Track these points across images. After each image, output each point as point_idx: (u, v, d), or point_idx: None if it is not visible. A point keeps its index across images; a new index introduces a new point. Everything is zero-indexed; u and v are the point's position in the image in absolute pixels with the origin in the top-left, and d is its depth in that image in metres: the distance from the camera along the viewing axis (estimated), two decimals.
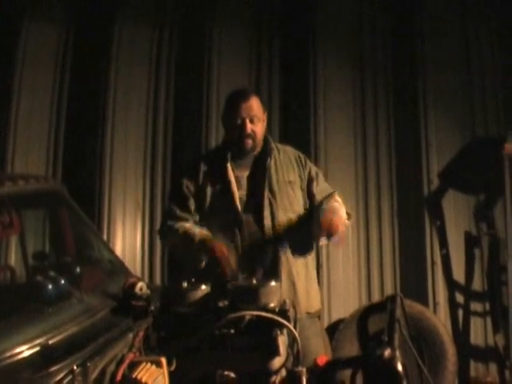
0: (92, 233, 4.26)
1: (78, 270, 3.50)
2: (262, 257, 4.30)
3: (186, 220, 4.32)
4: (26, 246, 4.09)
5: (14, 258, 4.88)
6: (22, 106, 6.76)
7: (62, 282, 3.27)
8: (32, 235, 4.50)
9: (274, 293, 3.08)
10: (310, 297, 4.39)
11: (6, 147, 6.63)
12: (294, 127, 6.88)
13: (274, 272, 4.22)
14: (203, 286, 3.16)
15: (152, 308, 3.23)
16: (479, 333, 6.87)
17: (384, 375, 2.66)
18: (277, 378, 2.93)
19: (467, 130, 6.94)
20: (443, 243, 6.90)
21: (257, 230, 4.34)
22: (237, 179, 4.39)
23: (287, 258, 4.34)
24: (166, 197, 6.58)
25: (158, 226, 6.51)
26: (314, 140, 6.86)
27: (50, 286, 3.21)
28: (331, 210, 4.22)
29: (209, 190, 4.38)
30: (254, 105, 4.39)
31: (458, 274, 6.88)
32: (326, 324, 6.40)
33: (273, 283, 3.10)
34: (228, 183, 4.36)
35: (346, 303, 6.56)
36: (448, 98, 6.98)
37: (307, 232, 4.32)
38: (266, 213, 4.34)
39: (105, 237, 6.21)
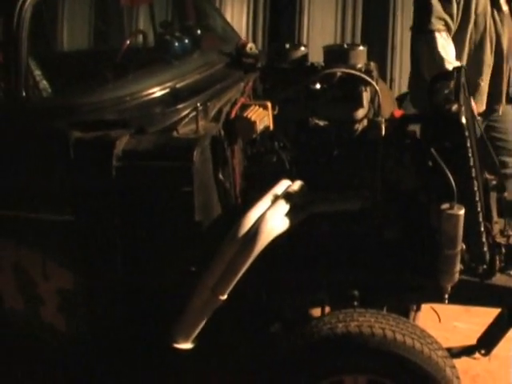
0: (209, 6, 4.16)
1: (199, 32, 3.43)
2: None
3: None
4: (154, 14, 4.02)
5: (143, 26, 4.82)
6: None
7: (186, 40, 3.23)
8: (159, 7, 4.40)
9: (361, 56, 2.99)
10: None
11: None
12: None
13: None
14: (302, 47, 3.08)
15: (259, 64, 3.19)
16: None
17: (450, 127, 2.60)
18: (359, 126, 2.89)
19: None
20: None
21: None
22: None
23: None
24: None
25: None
26: None
27: (176, 43, 3.17)
28: None
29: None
30: None
31: None
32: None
33: (361, 48, 3.00)
34: None
35: None
36: None
37: None
38: None
39: None
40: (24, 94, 2.62)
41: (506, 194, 3.19)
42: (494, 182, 3.18)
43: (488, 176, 3.11)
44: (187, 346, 2.58)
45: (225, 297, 2.49)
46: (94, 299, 2.68)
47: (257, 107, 2.71)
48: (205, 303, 2.51)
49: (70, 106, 2.66)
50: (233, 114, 2.70)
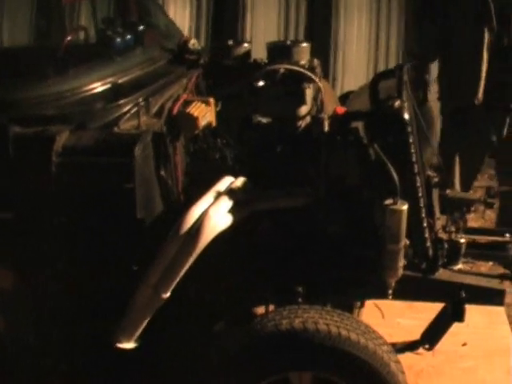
0: (152, 2, 4.12)
1: (141, 28, 3.38)
2: None
3: None
4: (96, 10, 3.97)
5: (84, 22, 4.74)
6: None
7: (128, 36, 3.18)
8: (101, 3, 4.33)
9: (305, 52, 2.98)
10: None
11: None
12: None
13: None
14: (245, 44, 3.07)
15: (202, 61, 3.17)
16: None
17: (393, 123, 2.62)
18: (302, 123, 2.88)
19: None
20: None
21: None
22: None
23: None
24: None
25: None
26: None
27: (118, 39, 3.13)
28: None
29: None
30: None
31: None
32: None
33: (304, 44, 3.00)
34: None
35: (356, 79, 6.42)
36: None
37: None
38: None
39: None
40: None
41: (448, 191, 3.23)
42: (436, 179, 3.22)
43: (430, 173, 3.14)
44: (130, 345, 2.54)
45: (167, 295, 2.46)
46: (35, 299, 2.62)
47: (199, 103, 2.70)
48: (147, 302, 2.47)
49: (10, 100, 2.61)
50: (175, 110, 2.67)
